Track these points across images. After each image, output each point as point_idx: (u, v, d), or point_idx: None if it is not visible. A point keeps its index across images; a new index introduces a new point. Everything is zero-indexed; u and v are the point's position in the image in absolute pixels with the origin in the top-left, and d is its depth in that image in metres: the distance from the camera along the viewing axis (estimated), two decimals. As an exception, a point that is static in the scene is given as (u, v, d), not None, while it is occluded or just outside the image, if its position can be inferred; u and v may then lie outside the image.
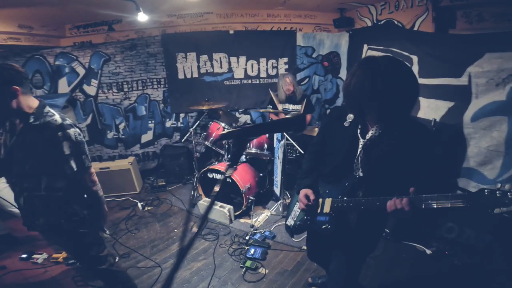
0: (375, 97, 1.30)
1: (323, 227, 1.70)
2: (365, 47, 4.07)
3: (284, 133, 3.44)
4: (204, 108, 3.82)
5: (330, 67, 4.80)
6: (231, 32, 4.44)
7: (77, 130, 1.75)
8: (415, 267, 2.79)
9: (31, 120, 1.62)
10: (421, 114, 3.31)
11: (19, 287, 2.64)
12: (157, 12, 3.67)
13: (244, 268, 2.86)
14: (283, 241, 3.28)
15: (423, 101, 3.28)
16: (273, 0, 3.78)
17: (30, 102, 1.65)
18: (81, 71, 4.35)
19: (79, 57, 4.28)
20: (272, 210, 3.80)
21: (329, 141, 1.73)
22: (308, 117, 4.15)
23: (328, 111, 5.03)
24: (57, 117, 1.67)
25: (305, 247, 3.14)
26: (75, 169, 1.72)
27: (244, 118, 4.99)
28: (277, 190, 3.78)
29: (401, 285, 2.62)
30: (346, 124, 1.57)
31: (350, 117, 1.57)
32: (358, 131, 1.53)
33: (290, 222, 1.97)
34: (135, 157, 4.57)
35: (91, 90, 4.47)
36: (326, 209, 1.65)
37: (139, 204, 4.06)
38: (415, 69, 3.33)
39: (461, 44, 2.89)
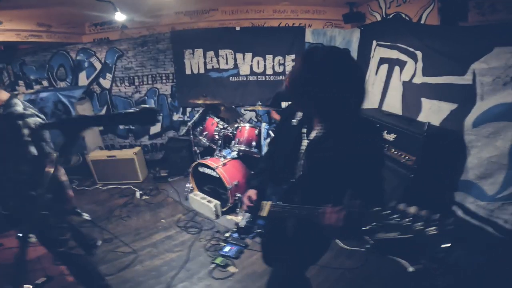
0: (310, 90, 1.18)
1: (257, 231, 1.61)
2: (374, 43, 3.75)
3: (270, 131, 3.32)
4: (199, 102, 3.86)
5: (341, 65, 4.50)
6: (238, 28, 4.42)
7: (38, 119, 1.92)
8: (390, 285, 2.53)
9: (1, 111, 1.84)
10: (422, 117, 2.94)
11: (5, 263, 2.83)
12: (135, 12, 3.78)
13: (214, 264, 2.82)
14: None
15: (425, 103, 2.91)
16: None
17: (1, 96, 1.87)
18: (98, 66, 4.71)
19: (96, 53, 4.64)
20: (258, 210, 3.68)
21: (279, 140, 1.64)
22: None
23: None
24: (20, 108, 1.87)
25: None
26: (35, 154, 1.89)
27: (249, 115, 4.94)
28: (264, 189, 3.66)
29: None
30: (294, 122, 1.46)
31: (299, 115, 1.46)
32: (304, 130, 1.41)
33: (242, 223, 1.90)
34: (141, 147, 4.78)
35: (106, 83, 4.81)
36: (264, 212, 1.54)
37: (137, 193, 4.24)
38: (419, 66, 2.96)
39: (467, 37, 2.51)
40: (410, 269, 2.60)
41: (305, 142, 1.39)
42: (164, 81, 4.79)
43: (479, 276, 2.29)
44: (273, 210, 1.48)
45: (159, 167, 4.86)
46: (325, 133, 1.33)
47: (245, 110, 4.39)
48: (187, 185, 4.11)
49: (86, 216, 2.64)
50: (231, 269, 2.79)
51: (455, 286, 2.33)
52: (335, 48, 1.22)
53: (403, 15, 3.23)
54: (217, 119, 3.89)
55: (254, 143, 3.60)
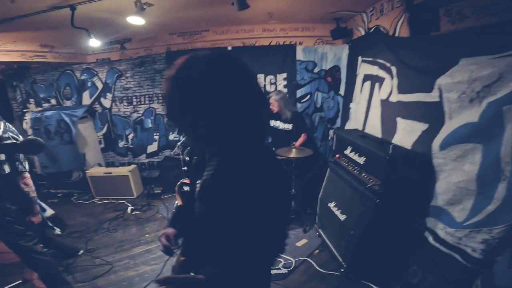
0: (187, 115, 0.96)
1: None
2: (360, 59, 3.62)
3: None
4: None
5: (333, 82, 4.38)
6: (229, 48, 4.51)
7: (14, 142, 2.10)
8: None
9: None
10: (396, 139, 2.76)
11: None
12: (107, 37, 3.99)
13: None
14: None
15: (400, 123, 2.74)
16: (259, 13, 3.69)
17: None
18: (100, 85, 4.99)
19: (98, 73, 4.93)
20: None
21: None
22: (302, 137, 3.82)
23: (330, 131, 4.57)
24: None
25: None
26: (8, 172, 2.11)
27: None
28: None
29: None
30: (193, 161, 1.31)
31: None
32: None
33: None
34: (138, 165, 4.95)
35: (106, 102, 5.07)
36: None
37: (129, 208, 4.36)
38: (395, 83, 2.80)
39: (435, 48, 2.36)
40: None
41: (198, 185, 1.18)
42: (160, 101, 4.96)
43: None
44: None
45: (154, 185, 4.98)
46: (214, 174, 1.07)
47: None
48: (176, 202, 4.16)
49: (57, 230, 2.80)
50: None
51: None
52: (214, 55, 0.96)
53: (381, 28, 3.10)
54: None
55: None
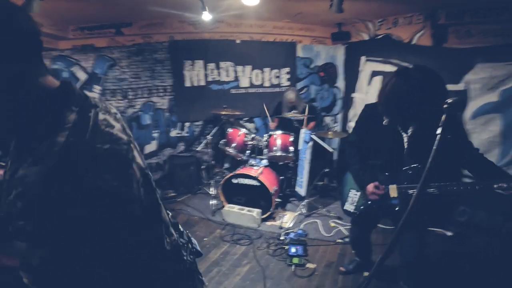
0: (406, 105, 1.56)
1: (396, 209, 1.91)
2: (363, 58, 4.57)
3: (312, 135, 3.68)
4: (223, 113, 3.85)
5: (326, 77, 5.21)
6: (238, 41, 4.56)
7: None
8: (442, 248, 3.14)
9: None
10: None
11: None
12: (216, 12, 3.62)
13: (293, 265, 2.91)
14: (316, 237, 3.45)
15: (424, 104, 3.83)
16: (287, 12, 4.01)
17: None
18: (82, 76, 3.98)
19: (80, 61, 3.92)
20: (298, 211, 3.92)
21: (370, 138, 1.95)
22: (311, 124, 4.43)
23: (326, 118, 5.42)
24: None
25: (339, 240, 3.34)
26: None
27: (249, 126, 5.06)
28: (301, 190, 3.94)
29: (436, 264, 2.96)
30: (385, 123, 1.82)
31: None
32: (399, 128, 1.79)
33: (350, 207, 2.14)
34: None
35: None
36: (393, 194, 1.88)
37: (156, 217, 3.79)
38: (416, 77, 3.88)
39: (455, 56, 3.51)
40: (449, 233, 3.37)
41: (405, 137, 1.77)
42: (161, 94, 4.41)
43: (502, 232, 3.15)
44: (403, 191, 1.84)
45: (158, 188, 4.39)
46: (422, 127, 1.70)
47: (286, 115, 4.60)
48: (211, 202, 3.96)
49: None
50: (310, 265, 2.95)
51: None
52: (427, 71, 1.59)
53: (393, 37, 4.13)
54: (244, 130, 3.95)
55: (291, 149, 3.84)
